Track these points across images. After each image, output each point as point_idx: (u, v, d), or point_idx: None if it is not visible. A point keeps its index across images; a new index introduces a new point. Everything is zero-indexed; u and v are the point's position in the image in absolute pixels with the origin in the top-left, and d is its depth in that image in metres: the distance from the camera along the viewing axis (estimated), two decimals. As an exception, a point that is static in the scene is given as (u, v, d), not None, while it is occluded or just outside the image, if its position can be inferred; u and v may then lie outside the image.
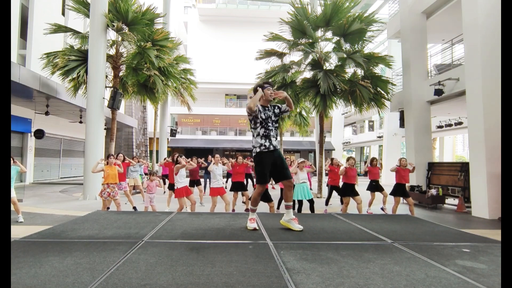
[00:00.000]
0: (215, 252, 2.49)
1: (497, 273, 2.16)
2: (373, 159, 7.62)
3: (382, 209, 7.60)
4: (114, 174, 6.10)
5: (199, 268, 2.12)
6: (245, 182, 8.69)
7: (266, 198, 5.99)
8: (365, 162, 7.57)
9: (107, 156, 6.37)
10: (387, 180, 7.97)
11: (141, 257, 2.32)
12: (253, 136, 3.41)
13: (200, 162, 8.22)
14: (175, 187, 5.86)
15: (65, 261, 2.20)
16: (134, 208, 6.92)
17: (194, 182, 8.27)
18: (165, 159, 11.99)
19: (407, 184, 6.79)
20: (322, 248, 2.68)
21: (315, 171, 12.16)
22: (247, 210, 6.77)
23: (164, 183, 11.00)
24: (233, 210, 6.79)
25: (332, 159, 7.79)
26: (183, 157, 6.28)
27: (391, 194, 6.75)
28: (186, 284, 1.87)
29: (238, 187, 6.93)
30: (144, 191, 8.48)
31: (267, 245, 2.74)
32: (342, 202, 6.61)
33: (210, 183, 10.09)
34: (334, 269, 2.17)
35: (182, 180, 5.81)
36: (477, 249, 2.79)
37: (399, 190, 6.62)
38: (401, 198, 6.74)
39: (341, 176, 6.78)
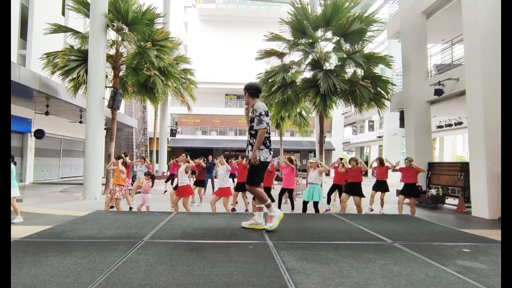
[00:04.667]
0: (215, 252, 2.49)
1: (497, 273, 2.16)
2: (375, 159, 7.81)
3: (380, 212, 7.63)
4: (115, 175, 6.20)
5: (199, 268, 2.12)
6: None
7: None
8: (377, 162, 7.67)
9: (117, 157, 6.48)
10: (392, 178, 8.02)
11: (141, 257, 2.32)
12: None
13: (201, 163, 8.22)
14: (179, 185, 5.99)
15: (65, 261, 2.20)
16: (130, 208, 7.00)
17: (200, 182, 8.28)
18: (174, 159, 12.08)
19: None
20: (322, 248, 2.68)
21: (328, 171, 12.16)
22: (247, 210, 6.79)
23: (171, 183, 11.21)
24: (234, 210, 6.80)
25: (341, 159, 7.89)
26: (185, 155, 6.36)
27: (398, 194, 6.84)
28: (186, 284, 1.86)
29: (241, 187, 6.96)
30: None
31: (267, 245, 2.74)
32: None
33: (212, 184, 10.16)
34: (334, 269, 2.17)
35: (185, 179, 5.92)
36: (477, 249, 2.79)
37: (403, 190, 6.70)
38: (404, 198, 6.76)
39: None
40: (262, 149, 3.20)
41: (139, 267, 2.12)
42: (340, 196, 7.19)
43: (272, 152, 3.32)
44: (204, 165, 8.31)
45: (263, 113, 3.17)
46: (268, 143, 3.25)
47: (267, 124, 3.18)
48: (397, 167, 7.05)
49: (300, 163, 8.71)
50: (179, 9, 31.30)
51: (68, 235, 2.96)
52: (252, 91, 3.37)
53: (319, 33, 10.61)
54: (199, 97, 18.76)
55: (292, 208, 7.12)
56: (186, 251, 2.49)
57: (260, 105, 3.24)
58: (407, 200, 6.78)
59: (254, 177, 3.25)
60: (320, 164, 6.41)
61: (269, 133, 3.28)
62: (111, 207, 6.42)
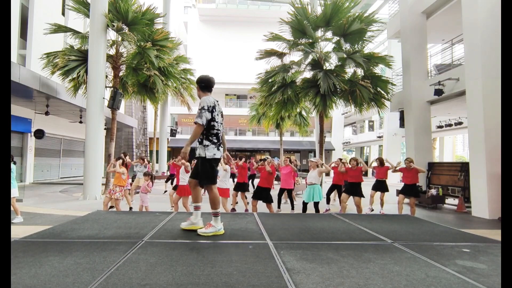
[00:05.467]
0: (215, 252, 2.50)
1: (497, 273, 2.16)
2: (373, 159, 7.78)
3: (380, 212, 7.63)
4: (116, 176, 6.23)
5: (199, 268, 2.12)
6: (249, 183, 8.57)
7: (267, 199, 6.01)
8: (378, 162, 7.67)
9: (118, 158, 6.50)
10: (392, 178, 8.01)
11: (141, 257, 2.32)
12: None
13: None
14: (180, 184, 6.02)
15: (65, 261, 2.20)
16: (130, 208, 7.01)
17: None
18: (173, 159, 12.08)
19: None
20: (322, 248, 2.68)
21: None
22: (246, 210, 6.79)
23: (171, 183, 11.19)
24: (233, 210, 6.80)
25: (340, 159, 7.90)
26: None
27: (398, 193, 6.88)
28: (186, 284, 1.87)
29: (240, 187, 6.96)
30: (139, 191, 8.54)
31: (267, 245, 2.74)
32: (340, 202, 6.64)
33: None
34: (334, 269, 2.17)
35: (186, 178, 5.95)
36: (477, 249, 2.79)
37: (403, 190, 6.71)
38: (404, 198, 6.76)
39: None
40: (207, 146, 3.05)
41: (139, 267, 2.12)
42: (339, 196, 7.19)
43: (221, 149, 3.16)
44: None
45: (205, 107, 3.00)
46: (215, 140, 3.08)
47: (211, 119, 3.03)
48: (397, 167, 7.05)
49: (300, 163, 8.74)
50: (179, 9, 31.29)
51: (68, 235, 2.96)
52: (202, 84, 3.19)
53: (319, 33, 10.60)
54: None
55: (292, 208, 7.12)
56: (186, 251, 2.49)
57: (206, 99, 3.06)
58: (407, 200, 6.78)
59: (202, 175, 3.09)
60: (322, 164, 6.37)
61: (218, 129, 3.11)
62: (111, 207, 6.42)
